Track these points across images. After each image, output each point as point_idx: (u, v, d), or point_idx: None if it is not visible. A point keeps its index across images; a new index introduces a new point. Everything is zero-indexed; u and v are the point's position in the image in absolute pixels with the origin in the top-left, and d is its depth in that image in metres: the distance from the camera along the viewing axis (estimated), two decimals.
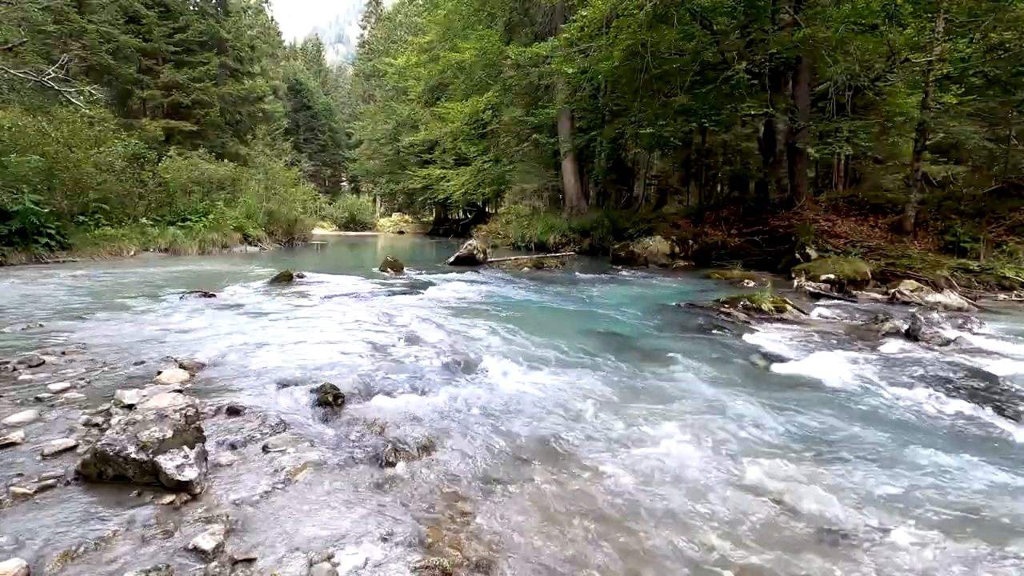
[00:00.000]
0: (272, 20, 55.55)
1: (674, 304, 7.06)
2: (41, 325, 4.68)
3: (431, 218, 43.17)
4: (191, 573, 1.58)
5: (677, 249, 12.88)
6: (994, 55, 9.54)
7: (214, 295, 6.57)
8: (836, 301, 7.47)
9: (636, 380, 3.72)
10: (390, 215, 49.40)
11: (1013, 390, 3.58)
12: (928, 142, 10.86)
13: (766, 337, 5.12)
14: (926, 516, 2.12)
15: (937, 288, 7.74)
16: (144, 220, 14.08)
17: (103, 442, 2.05)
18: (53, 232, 10.90)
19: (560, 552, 1.83)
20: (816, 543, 1.94)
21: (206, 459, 2.15)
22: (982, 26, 9.20)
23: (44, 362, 3.46)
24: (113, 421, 2.42)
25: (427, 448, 2.52)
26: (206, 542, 1.68)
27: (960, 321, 5.66)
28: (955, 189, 12.97)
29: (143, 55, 22.18)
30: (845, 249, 10.08)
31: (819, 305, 7.10)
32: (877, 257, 9.51)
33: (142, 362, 3.59)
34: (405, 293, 7.41)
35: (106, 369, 3.42)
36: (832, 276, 8.42)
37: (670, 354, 4.35)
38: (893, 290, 7.77)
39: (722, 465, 2.47)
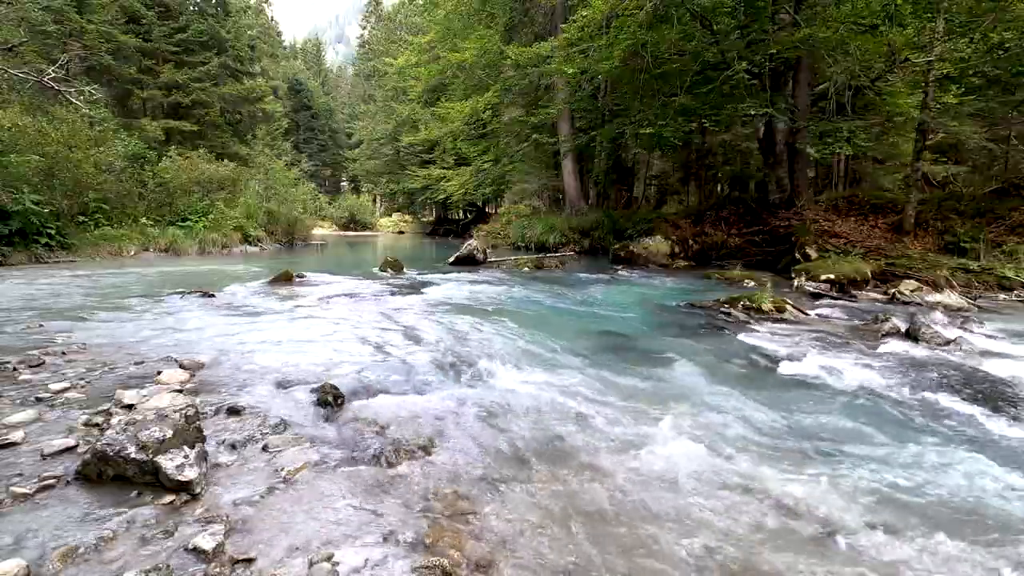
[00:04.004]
0: (272, 20, 55.58)
1: (674, 304, 7.06)
2: (41, 325, 4.68)
3: (431, 218, 43.17)
4: (191, 573, 1.58)
5: (677, 249, 12.87)
6: (994, 55, 9.53)
7: (214, 295, 6.57)
8: (836, 301, 7.47)
9: (636, 380, 3.72)
10: (390, 215, 49.39)
11: (1013, 390, 3.58)
12: (928, 142, 10.85)
13: (766, 337, 5.12)
14: (926, 516, 2.12)
15: (937, 288, 7.73)
16: (144, 220, 14.09)
17: (103, 442, 2.05)
18: (53, 232, 10.91)
19: (560, 552, 1.83)
20: (816, 543, 1.94)
21: (206, 459, 2.15)
22: (982, 26, 9.19)
23: (44, 362, 3.46)
24: (113, 421, 2.42)
25: (427, 448, 2.52)
26: (206, 542, 1.68)
27: (960, 321, 5.66)
28: (955, 189, 12.95)
29: (143, 55, 22.13)
30: (845, 249, 10.06)
31: (819, 305, 7.10)
32: (877, 257, 9.50)
33: (142, 362, 3.60)
34: (405, 293, 7.41)
35: (106, 369, 3.42)
36: (832, 276, 8.42)
37: (670, 354, 4.35)
38: (893, 290, 7.77)
39: (722, 465, 2.47)
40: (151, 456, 2.00)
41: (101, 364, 3.52)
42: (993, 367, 4.13)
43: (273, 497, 2.03)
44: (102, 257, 11.67)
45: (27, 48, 14.93)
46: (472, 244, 12.81)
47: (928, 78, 9.74)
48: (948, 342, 4.79)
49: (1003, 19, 9.15)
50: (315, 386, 3.11)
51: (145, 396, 2.81)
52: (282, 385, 3.22)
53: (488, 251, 13.58)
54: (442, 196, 30.17)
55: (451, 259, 12.42)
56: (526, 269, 11.65)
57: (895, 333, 5.17)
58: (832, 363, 4.18)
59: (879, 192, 13.03)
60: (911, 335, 5.00)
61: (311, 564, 1.65)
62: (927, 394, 3.54)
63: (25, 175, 10.81)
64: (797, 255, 10.29)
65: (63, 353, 3.72)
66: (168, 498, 1.94)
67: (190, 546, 1.68)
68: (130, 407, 2.66)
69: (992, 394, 3.52)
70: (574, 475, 2.37)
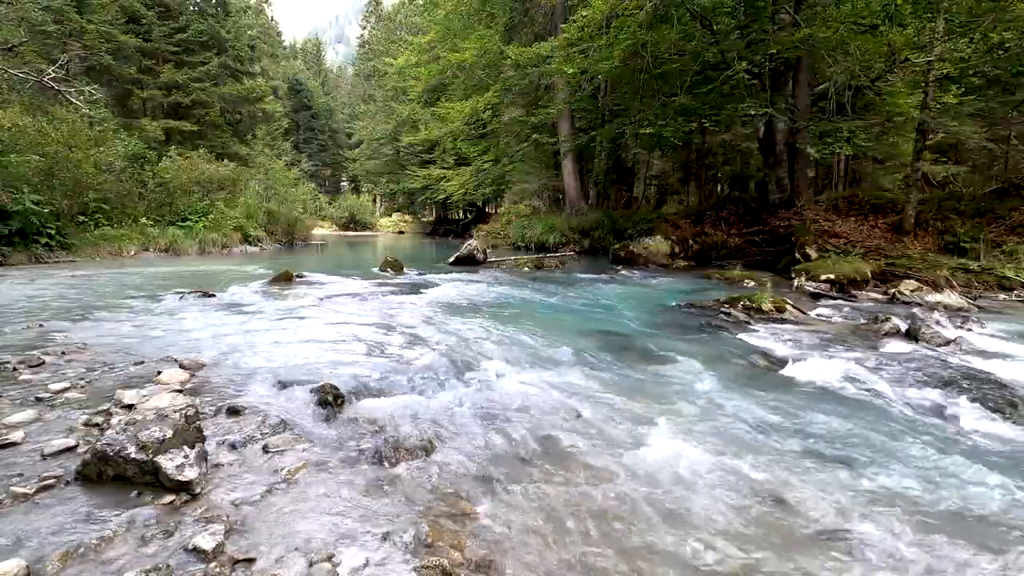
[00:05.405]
0: (272, 20, 55.59)
1: (674, 304, 7.06)
2: (41, 325, 4.68)
3: (431, 218, 43.18)
4: (191, 573, 1.57)
5: (677, 249, 12.87)
6: (994, 55, 9.53)
7: (214, 295, 6.57)
8: (836, 301, 7.47)
9: (636, 380, 3.72)
10: (390, 215, 49.40)
11: (1013, 390, 3.58)
12: (928, 142, 10.85)
13: (766, 337, 5.12)
14: (925, 516, 2.12)
15: (937, 288, 7.73)
16: (144, 220, 14.09)
17: (103, 442, 2.05)
18: (53, 232, 10.91)
19: (560, 552, 1.83)
20: (816, 543, 1.94)
21: (206, 459, 2.15)
22: (982, 26, 9.19)
23: (44, 362, 3.46)
24: (113, 421, 2.42)
25: (427, 448, 2.52)
26: (206, 542, 1.68)
27: (960, 321, 5.66)
28: (955, 189, 12.95)
29: (143, 55, 22.13)
30: (845, 249, 10.06)
31: (819, 305, 7.10)
32: (877, 257, 9.50)
33: (142, 362, 3.59)
34: (405, 293, 7.41)
35: (106, 369, 3.41)
36: (832, 276, 8.42)
37: (670, 354, 4.35)
38: (893, 290, 7.77)
39: (722, 465, 2.47)
40: (151, 456, 2.00)
41: (101, 364, 3.52)
42: (993, 367, 4.13)
43: (273, 497, 2.03)
44: (102, 257, 11.67)
45: (27, 48, 14.93)
46: (472, 244, 12.81)
47: (928, 78, 9.74)
48: (948, 342, 4.79)
49: (1003, 19, 9.15)
50: (315, 386, 3.11)
51: (145, 396, 2.81)
52: (282, 385, 3.22)
53: (488, 251, 13.58)
54: (442, 196, 30.18)
55: (451, 259, 12.42)
56: (526, 269, 11.65)
57: (895, 333, 5.17)
58: (832, 363, 4.18)
59: (879, 192, 13.03)
60: (911, 335, 5.00)
61: (311, 564, 1.65)
62: (927, 394, 3.54)
63: (25, 175, 10.81)
64: (797, 255, 10.29)
65: (63, 353, 3.72)
66: (168, 498, 1.94)
67: (190, 546, 1.67)
68: (130, 407, 2.66)
69: (992, 394, 3.52)
70: (574, 475, 2.37)
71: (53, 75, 9.57)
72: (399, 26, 46.93)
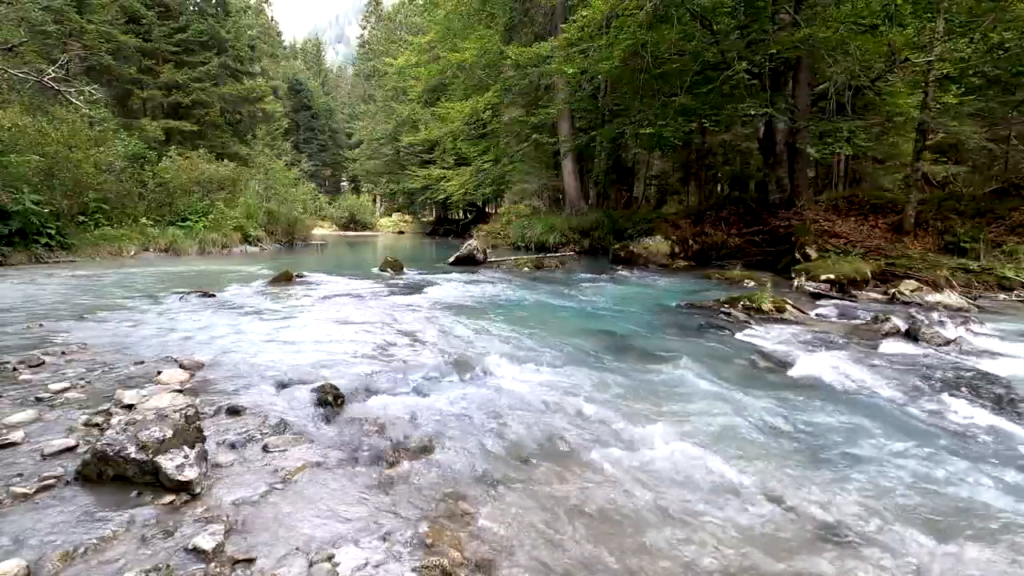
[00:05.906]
0: (272, 20, 55.60)
1: (674, 304, 7.06)
2: (41, 325, 4.68)
3: (431, 218, 43.19)
4: (191, 573, 1.57)
5: (677, 249, 12.86)
6: (994, 55, 9.53)
7: (214, 295, 6.57)
8: (836, 301, 7.47)
9: (636, 380, 3.72)
10: (390, 215, 49.40)
11: (1013, 390, 3.58)
12: (928, 142, 10.85)
13: (766, 337, 5.12)
14: (925, 516, 2.12)
15: (937, 288, 7.73)
16: (144, 220, 14.10)
17: (103, 442, 2.05)
18: (53, 232, 10.92)
19: (560, 552, 1.83)
20: (816, 543, 1.94)
21: (206, 459, 2.15)
22: (982, 26, 9.19)
23: (44, 362, 3.46)
24: (113, 421, 2.42)
25: (427, 448, 2.52)
26: (206, 542, 1.68)
27: (960, 321, 5.66)
28: (955, 189, 12.94)
29: (143, 55, 22.14)
30: (845, 249, 10.06)
31: (819, 305, 7.10)
32: (877, 257, 9.50)
33: (142, 362, 3.59)
34: (405, 293, 7.41)
35: (106, 369, 3.42)
36: (832, 276, 8.42)
37: (670, 354, 4.35)
38: (893, 290, 7.77)
39: (722, 465, 2.47)
40: (151, 456, 2.00)
41: (101, 364, 3.52)
42: (993, 367, 4.13)
43: (273, 497, 2.03)
44: (102, 257, 11.67)
45: (27, 48, 14.93)
46: (472, 244, 12.81)
47: (928, 78, 9.74)
48: (948, 342, 4.79)
49: (1003, 19, 9.15)
50: (315, 386, 3.11)
51: (145, 396, 2.81)
52: (282, 385, 3.22)
53: (488, 251, 13.58)
54: (442, 196, 30.19)
55: (451, 259, 12.43)
56: (526, 269, 11.65)
57: (895, 333, 5.17)
58: (832, 363, 4.17)
59: (879, 192, 13.02)
60: (911, 335, 5.00)
61: (311, 564, 1.65)
62: (927, 394, 3.54)
63: (25, 175, 10.82)
64: (797, 255, 10.28)
65: (63, 353, 3.72)
66: (168, 498, 1.94)
67: (190, 546, 1.68)
68: (130, 407, 2.66)
69: (992, 394, 3.52)
70: (574, 475, 2.37)
71: (53, 75, 9.57)
72: (399, 26, 46.95)
